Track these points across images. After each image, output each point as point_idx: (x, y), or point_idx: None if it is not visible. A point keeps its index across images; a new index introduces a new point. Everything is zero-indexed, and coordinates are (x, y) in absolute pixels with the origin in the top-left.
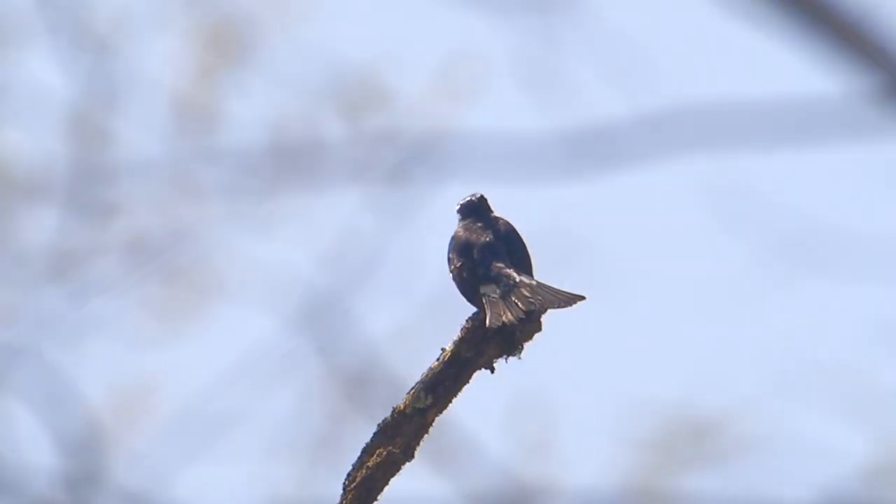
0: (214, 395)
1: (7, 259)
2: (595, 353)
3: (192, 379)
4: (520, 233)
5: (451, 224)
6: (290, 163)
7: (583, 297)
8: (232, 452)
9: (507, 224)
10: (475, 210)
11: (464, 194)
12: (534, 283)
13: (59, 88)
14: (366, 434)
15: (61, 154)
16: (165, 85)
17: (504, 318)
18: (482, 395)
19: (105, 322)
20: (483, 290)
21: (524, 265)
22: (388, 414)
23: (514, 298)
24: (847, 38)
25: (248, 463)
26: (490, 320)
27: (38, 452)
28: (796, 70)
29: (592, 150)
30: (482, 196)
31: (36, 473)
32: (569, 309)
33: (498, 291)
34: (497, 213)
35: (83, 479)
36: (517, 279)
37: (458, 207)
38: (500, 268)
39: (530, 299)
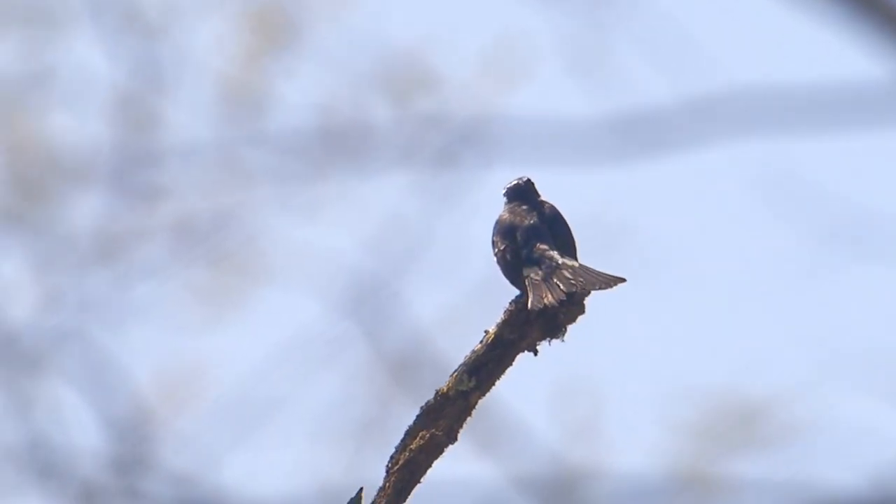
0: (261, 379)
1: (55, 243)
2: (641, 336)
3: (238, 363)
4: (565, 216)
5: (497, 208)
6: (338, 146)
7: (623, 280)
8: (278, 437)
9: (553, 207)
10: (521, 193)
11: (510, 178)
12: (576, 264)
13: (106, 72)
14: (410, 417)
15: (108, 138)
16: (213, 68)
17: (546, 300)
18: (526, 377)
19: (152, 306)
20: (526, 272)
21: (568, 248)
22: (431, 397)
23: (555, 280)
24: (893, 20)
25: (295, 447)
26: (532, 303)
27: (85, 436)
28: (845, 54)
29: (639, 134)
30: (528, 179)
31: (83, 457)
32: (609, 291)
33: (540, 273)
34: (543, 197)
35: (130, 462)
36: (559, 261)
37: (504, 191)
38: (544, 250)
39: (571, 281)
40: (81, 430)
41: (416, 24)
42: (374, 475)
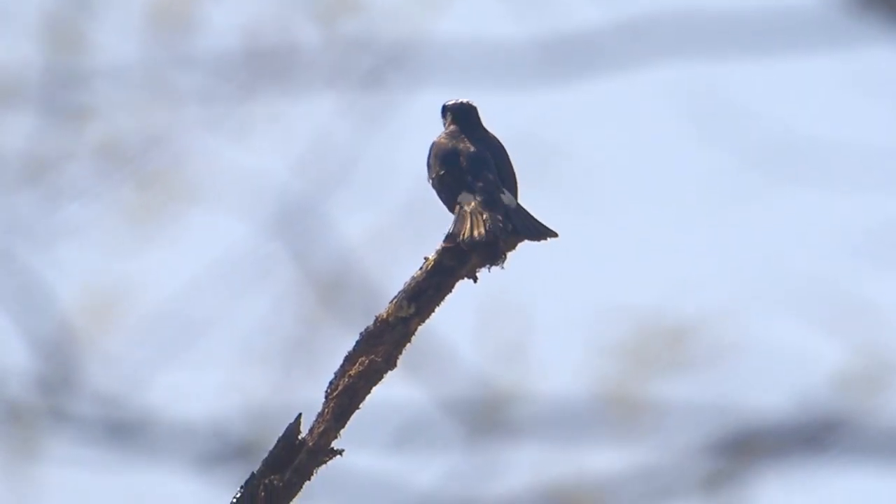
0: (189, 299)
1: None
2: (571, 260)
3: (166, 284)
4: (507, 149)
5: (426, 129)
6: (265, 68)
7: (555, 234)
8: (206, 358)
9: (496, 139)
10: (465, 114)
11: (440, 101)
12: (513, 205)
13: None
14: (341, 340)
15: (36, 59)
16: None
17: (464, 235)
18: (456, 298)
19: (79, 226)
20: (460, 198)
21: (510, 182)
22: (369, 323)
23: (485, 217)
24: None
25: (223, 368)
26: (451, 233)
27: (12, 356)
28: None
29: (568, 56)
30: (473, 105)
31: (10, 377)
32: (536, 243)
33: (472, 205)
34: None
35: (57, 381)
36: (498, 196)
37: (444, 107)
38: (487, 180)
39: (500, 224)
40: (8, 351)
41: None
42: (303, 396)
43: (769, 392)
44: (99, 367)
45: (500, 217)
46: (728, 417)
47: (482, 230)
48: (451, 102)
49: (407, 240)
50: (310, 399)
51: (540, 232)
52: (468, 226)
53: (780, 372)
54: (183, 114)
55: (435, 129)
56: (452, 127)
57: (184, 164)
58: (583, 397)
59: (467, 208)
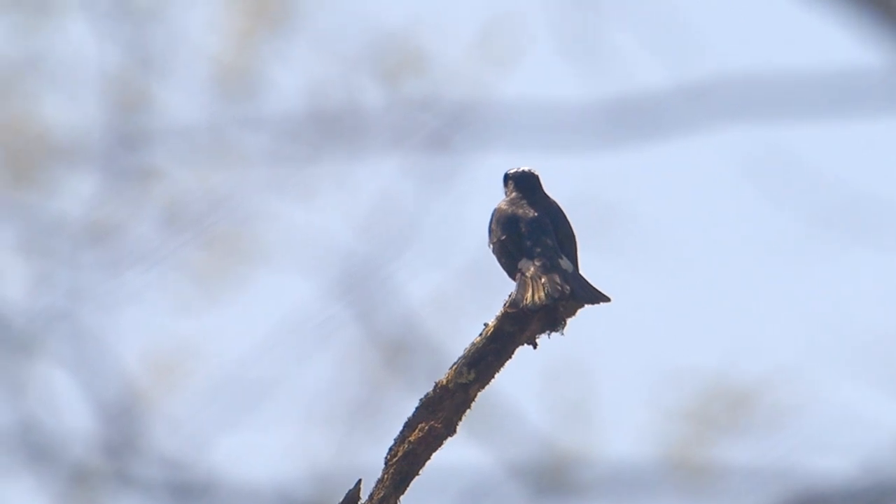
0: (253, 362)
1: (46, 225)
2: (634, 322)
3: (230, 346)
4: (568, 216)
5: (489, 191)
6: (330, 129)
7: (608, 299)
8: (270, 420)
9: (556, 204)
10: (525, 182)
11: (505, 162)
12: (571, 270)
13: (98, 54)
14: (404, 403)
15: (100, 120)
16: (206, 50)
17: (527, 301)
18: (523, 366)
19: (144, 289)
20: (520, 265)
21: (568, 249)
22: (429, 388)
23: (544, 281)
24: (887, 7)
25: (287, 431)
26: (514, 299)
27: (76, 419)
28: (838, 41)
29: (633, 119)
30: (535, 173)
31: (74, 440)
32: (592, 306)
33: (532, 270)
34: (547, 191)
35: (121, 445)
36: (556, 261)
37: (506, 175)
38: (546, 245)
39: (558, 287)
40: (72, 414)
41: (407, 5)
42: (366, 460)
43: (833, 455)
44: (163, 430)
45: (558, 281)
46: (792, 481)
47: (542, 294)
48: (512, 171)
49: (469, 303)
50: (371, 463)
51: (595, 296)
52: (529, 292)
53: (845, 435)
54: (248, 175)
55: (498, 191)
56: (514, 194)
57: (249, 226)
58: (647, 460)
59: (528, 274)
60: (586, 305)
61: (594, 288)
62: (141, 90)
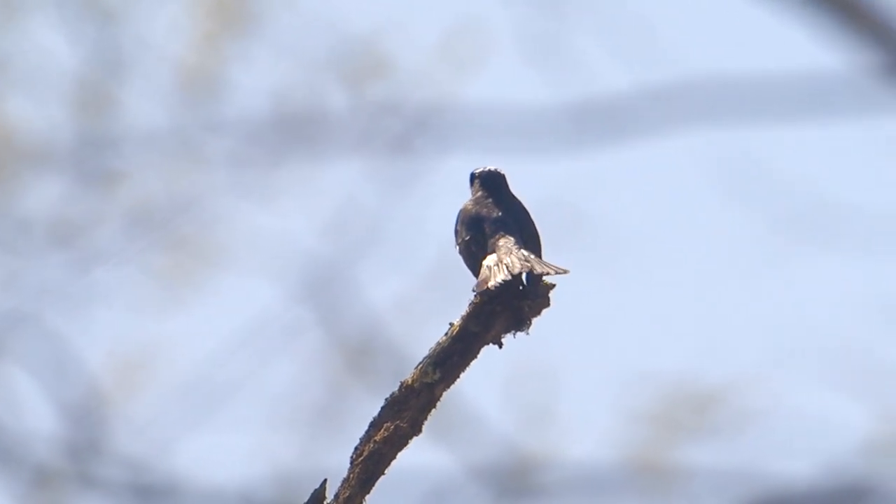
0: (217, 364)
1: (11, 227)
2: (598, 325)
3: (194, 348)
4: (531, 213)
5: (453, 194)
6: (294, 132)
7: (566, 271)
8: (234, 422)
9: (521, 204)
10: (492, 180)
11: (468, 166)
12: (526, 253)
13: (64, 57)
14: (368, 405)
15: (66, 123)
16: (170, 54)
17: (490, 283)
18: (484, 364)
19: (108, 290)
20: (485, 262)
21: (533, 243)
22: (394, 388)
23: (506, 261)
24: (852, 14)
25: (251, 432)
26: (477, 286)
27: (40, 421)
28: (802, 45)
29: (597, 122)
30: (501, 172)
31: (38, 441)
32: (552, 278)
33: (494, 259)
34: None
35: (84, 446)
36: (513, 248)
37: (473, 174)
38: (505, 239)
39: (518, 264)
40: (36, 415)
41: (371, 10)
42: (331, 460)
43: (797, 458)
44: (126, 432)
45: (519, 259)
46: (756, 483)
47: (502, 275)
48: (478, 170)
49: (433, 305)
50: (336, 464)
51: (553, 269)
52: (492, 274)
53: (808, 437)
54: (212, 178)
55: (462, 194)
56: (479, 193)
57: (213, 229)
58: (610, 462)
59: (490, 264)
60: (550, 287)
61: (551, 263)
62: (107, 93)
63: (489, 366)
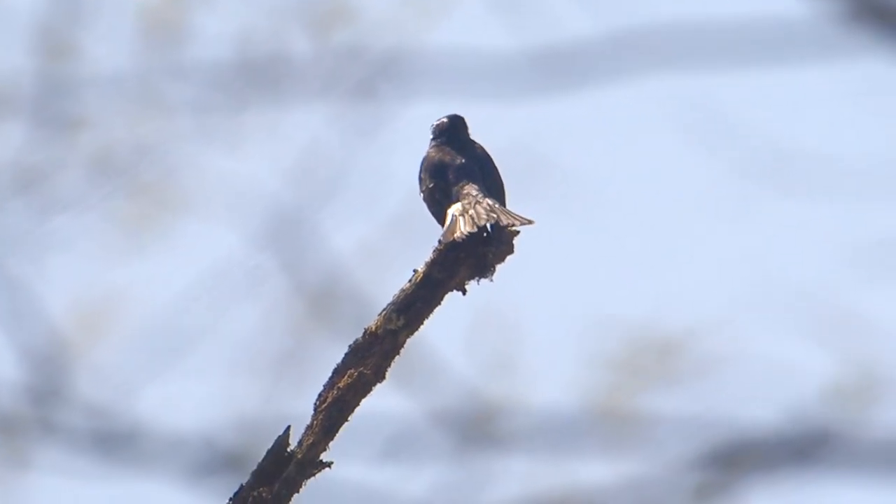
0: (179, 310)
1: None
2: (562, 271)
3: (157, 294)
4: (494, 160)
5: (417, 140)
6: (257, 78)
7: (531, 221)
8: (197, 369)
9: (483, 149)
10: (451, 131)
11: (433, 112)
12: (491, 202)
13: (24, 2)
14: (331, 352)
15: (27, 68)
16: None
17: (456, 234)
18: (452, 313)
19: (70, 237)
20: (450, 210)
21: (497, 190)
22: (358, 335)
23: (470, 214)
24: None
25: (213, 379)
26: (444, 236)
27: (1, 367)
28: None
29: (560, 68)
30: (460, 117)
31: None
32: (517, 228)
33: (459, 208)
34: (473, 136)
35: (47, 392)
36: (478, 197)
37: (432, 127)
38: (470, 188)
39: (483, 216)
40: None
41: None
42: (293, 408)
43: (760, 404)
44: (89, 378)
45: (485, 208)
46: (718, 430)
47: (471, 225)
48: (440, 119)
49: (397, 251)
50: (299, 411)
51: (518, 220)
52: (458, 224)
53: (771, 384)
54: (175, 124)
55: (426, 140)
56: (441, 139)
57: (175, 175)
58: (573, 409)
59: (455, 213)
60: (514, 234)
61: (516, 214)
62: (68, 37)
63: (452, 312)
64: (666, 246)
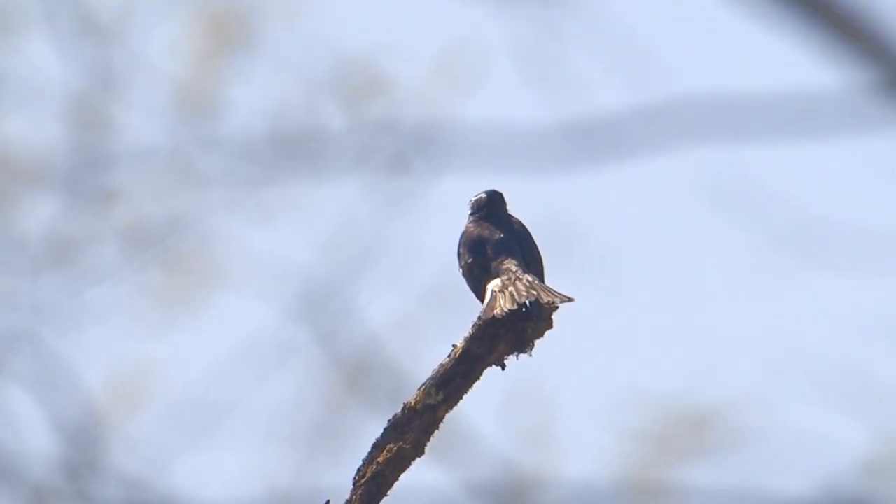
0: (213, 383)
1: (7, 245)
2: (595, 344)
3: (191, 367)
4: (532, 234)
5: (451, 213)
6: (291, 151)
7: (571, 299)
8: (230, 441)
9: (521, 223)
10: (489, 205)
11: (466, 185)
12: (531, 278)
13: (59, 75)
14: (366, 424)
15: (62, 141)
16: (166, 72)
17: (496, 311)
18: (490, 388)
19: (104, 309)
20: (490, 286)
21: (536, 265)
22: (393, 408)
23: (510, 291)
24: (846, 31)
25: (247, 452)
26: (484, 313)
27: (36, 439)
28: (796, 63)
29: (592, 141)
30: (499, 192)
31: (34, 460)
32: (557, 305)
33: (499, 285)
34: (511, 211)
35: (81, 465)
36: (518, 273)
37: (470, 203)
38: (509, 263)
39: (524, 293)
40: (33, 434)
41: (369, 28)
42: (327, 481)
43: (793, 477)
44: (123, 451)
45: (525, 286)
46: (752, 502)
47: (510, 302)
48: (478, 194)
49: (433, 325)
50: (336, 485)
51: (558, 297)
52: (497, 302)
53: (804, 457)
54: (208, 196)
55: (460, 213)
56: (480, 214)
57: (209, 248)
58: (606, 482)
59: (495, 290)
60: (553, 310)
61: (556, 291)
62: (103, 111)
63: (490, 386)
64: (698, 318)
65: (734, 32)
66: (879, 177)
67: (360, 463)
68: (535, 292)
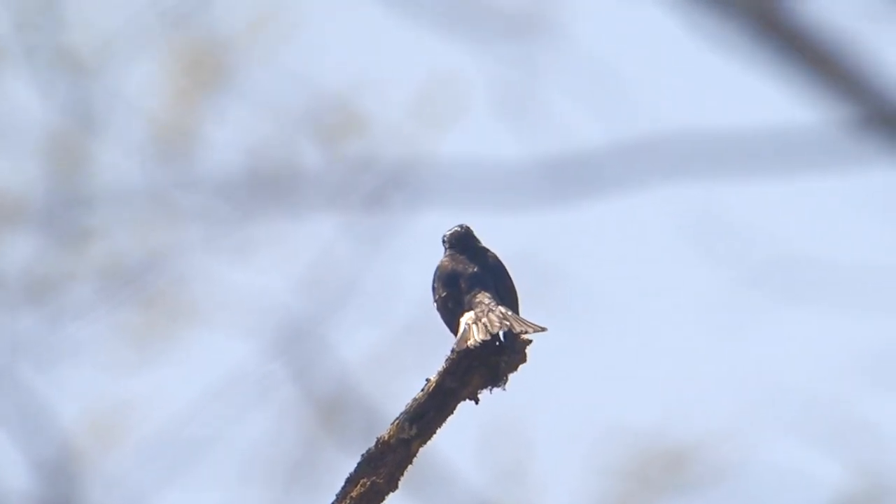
0: (190, 419)
1: None
2: (571, 379)
3: (167, 403)
4: (506, 266)
5: (427, 250)
6: (268, 188)
7: (544, 329)
8: (207, 477)
9: (495, 256)
10: (461, 240)
11: (443, 222)
12: (504, 310)
13: (37, 113)
14: (342, 460)
15: (39, 178)
16: (144, 109)
17: (469, 342)
18: (464, 422)
19: (81, 346)
20: (463, 319)
21: (510, 297)
22: (368, 443)
23: (483, 322)
24: (824, 68)
25: (224, 488)
26: (457, 344)
27: (13, 476)
28: (774, 100)
29: (569, 177)
30: (467, 227)
31: (12, 497)
32: (530, 336)
33: (472, 317)
34: (483, 243)
35: (59, 502)
36: (491, 306)
37: (444, 238)
38: (482, 296)
39: (496, 324)
40: (10, 471)
41: (346, 66)
42: None
43: None
44: (101, 488)
45: (495, 319)
46: None
47: (483, 334)
48: (449, 230)
49: (408, 361)
50: None
51: (531, 327)
52: (471, 333)
53: (782, 493)
54: (185, 234)
55: (437, 249)
56: (454, 248)
57: (186, 285)
58: None
59: (468, 322)
60: (527, 343)
61: (529, 321)
62: (80, 148)
63: (464, 421)
64: (675, 355)
65: (712, 69)
66: (858, 213)
67: (334, 497)
68: (507, 323)
